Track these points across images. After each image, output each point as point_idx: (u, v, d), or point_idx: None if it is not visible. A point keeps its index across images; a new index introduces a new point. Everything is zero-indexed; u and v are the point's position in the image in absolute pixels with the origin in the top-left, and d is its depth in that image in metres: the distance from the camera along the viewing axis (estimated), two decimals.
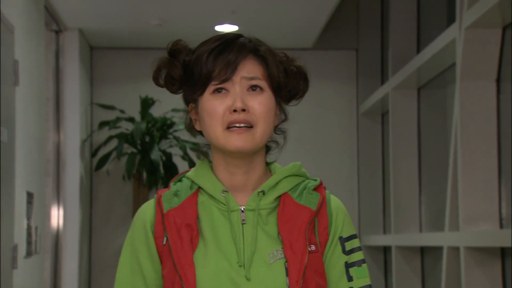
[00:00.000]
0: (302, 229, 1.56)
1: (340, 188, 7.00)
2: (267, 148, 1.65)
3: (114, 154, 6.57)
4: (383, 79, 6.61)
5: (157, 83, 1.63)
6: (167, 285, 1.55)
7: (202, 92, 1.57)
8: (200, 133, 1.64)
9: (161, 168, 6.54)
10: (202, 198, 1.60)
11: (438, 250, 5.06)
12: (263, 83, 1.58)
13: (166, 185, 6.66)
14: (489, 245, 3.94)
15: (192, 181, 1.61)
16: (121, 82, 6.92)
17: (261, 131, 1.57)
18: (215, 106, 1.56)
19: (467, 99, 4.11)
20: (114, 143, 6.62)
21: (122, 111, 6.68)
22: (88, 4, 5.71)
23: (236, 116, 1.55)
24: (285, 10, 5.90)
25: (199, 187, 1.61)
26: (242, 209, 1.58)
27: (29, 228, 4.31)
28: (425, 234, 5.49)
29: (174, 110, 6.58)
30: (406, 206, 5.84)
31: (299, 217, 1.57)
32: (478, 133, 4.09)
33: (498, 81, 4.10)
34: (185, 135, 6.72)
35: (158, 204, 1.59)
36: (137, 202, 6.57)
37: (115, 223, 6.87)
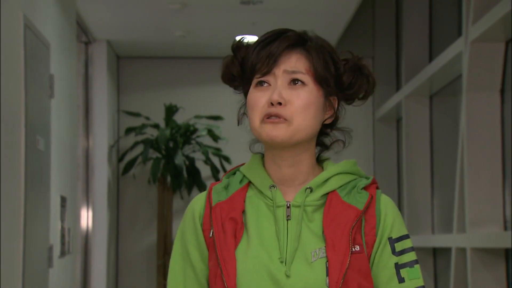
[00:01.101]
0: (346, 229, 1.53)
1: None
2: (323, 146, 1.64)
3: (140, 159, 6.87)
4: (398, 86, 6.86)
5: (224, 80, 1.65)
6: (211, 277, 1.57)
7: (249, 86, 1.59)
8: None
9: (184, 172, 6.83)
10: (251, 192, 1.60)
11: (448, 251, 5.30)
12: (305, 78, 1.56)
13: (189, 189, 6.96)
14: (494, 246, 4.17)
15: (244, 175, 1.62)
16: (146, 90, 7.22)
17: (297, 124, 1.54)
18: (257, 98, 1.56)
19: (473, 108, 4.35)
20: (140, 148, 6.91)
21: (147, 118, 6.98)
22: (116, 17, 6.02)
23: (272, 109, 1.54)
24: (304, 21, 6.16)
25: (250, 181, 1.61)
26: (288, 204, 1.56)
27: (62, 229, 4.61)
28: (436, 236, 5.73)
29: (196, 116, 6.87)
30: (419, 208, 6.07)
31: (345, 216, 1.54)
32: (483, 140, 4.33)
33: (502, 91, 4.34)
34: (207, 141, 7.01)
35: (208, 196, 1.60)
36: (162, 205, 6.86)
37: (141, 224, 7.17)
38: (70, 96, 4.92)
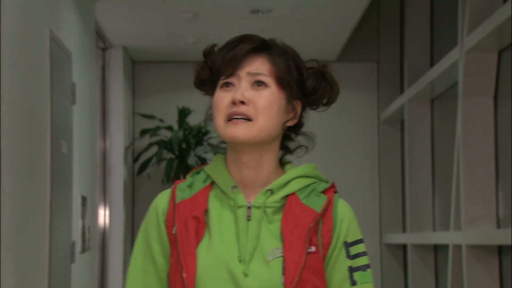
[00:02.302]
0: (303, 230, 1.56)
1: (363, 189, 7.53)
2: (286, 149, 1.67)
3: (154, 159, 7.15)
4: (402, 90, 7.12)
5: (195, 85, 1.68)
6: (171, 273, 1.59)
7: (215, 88, 1.61)
8: None
9: None
10: (214, 192, 1.62)
11: (447, 248, 5.56)
12: (268, 79, 1.59)
13: None
14: (487, 243, 4.44)
15: (207, 175, 1.64)
16: (160, 93, 7.52)
17: (260, 124, 1.57)
18: (220, 99, 1.59)
19: (468, 114, 4.62)
20: (154, 149, 7.20)
21: (161, 120, 7.27)
22: (131, 24, 6.32)
23: (235, 108, 1.57)
24: (310, 28, 6.44)
25: (213, 181, 1.63)
26: (249, 205, 1.59)
27: (83, 227, 4.92)
28: (436, 233, 5.99)
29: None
30: (421, 207, 6.33)
31: (303, 218, 1.57)
32: (478, 143, 4.60)
33: (495, 97, 4.61)
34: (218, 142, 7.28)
35: (173, 194, 1.62)
36: None
37: None
38: (89, 102, 5.22)
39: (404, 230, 7.16)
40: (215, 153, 7.14)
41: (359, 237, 1.62)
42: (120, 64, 6.85)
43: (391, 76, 7.33)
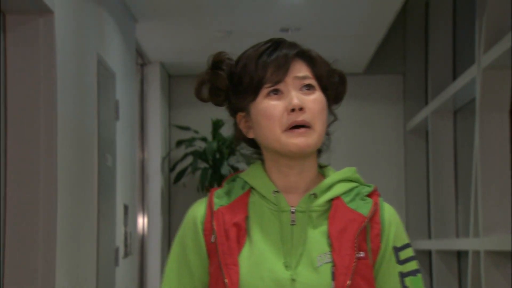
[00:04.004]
0: (352, 234, 1.51)
1: (389, 197, 7.70)
2: (318, 151, 1.61)
3: (189, 169, 7.45)
4: (427, 101, 7.39)
5: (199, 97, 1.62)
6: (211, 283, 1.53)
7: (255, 97, 1.54)
8: (252, 141, 1.60)
9: None
10: (253, 198, 1.56)
11: (468, 253, 5.82)
12: (314, 82, 1.55)
13: None
14: (504, 249, 4.70)
15: (245, 181, 1.58)
16: (195, 106, 7.84)
17: (319, 131, 1.53)
18: (272, 108, 1.52)
19: (485, 127, 4.90)
20: (189, 159, 7.52)
21: (196, 132, 7.60)
22: (168, 42, 6.69)
23: (294, 117, 1.51)
24: (339, 42, 6.73)
25: (251, 187, 1.57)
26: (293, 210, 1.54)
27: (125, 233, 5.28)
28: (457, 240, 6.25)
29: None
30: (445, 214, 6.58)
31: (350, 222, 1.52)
32: (494, 155, 4.87)
33: (511, 112, 4.89)
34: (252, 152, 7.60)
35: (210, 201, 1.57)
36: None
37: None
38: (131, 118, 5.59)
39: (429, 236, 7.41)
40: (247, 163, 7.42)
41: (406, 241, 1.58)
42: (157, 78, 7.21)
43: (417, 88, 7.58)
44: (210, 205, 1.56)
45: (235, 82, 1.57)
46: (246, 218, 1.54)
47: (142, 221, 7.02)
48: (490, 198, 4.85)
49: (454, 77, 6.44)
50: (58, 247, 3.42)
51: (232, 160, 7.56)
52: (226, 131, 7.81)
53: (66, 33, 3.62)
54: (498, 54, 4.56)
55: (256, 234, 1.53)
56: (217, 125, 7.50)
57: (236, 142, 1.64)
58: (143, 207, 7.03)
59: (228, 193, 1.58)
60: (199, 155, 7.39)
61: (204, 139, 7.48)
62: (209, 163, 7.42)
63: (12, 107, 3.28)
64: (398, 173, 7.82)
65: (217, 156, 7.44)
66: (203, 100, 1.63)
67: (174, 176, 7.61)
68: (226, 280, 1.49)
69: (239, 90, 1.56)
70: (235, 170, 7.48)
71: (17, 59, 3.25)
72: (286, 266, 1.50)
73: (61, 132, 3.48)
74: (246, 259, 1.51)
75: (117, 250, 4.90)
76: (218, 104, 1.62)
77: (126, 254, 5.26)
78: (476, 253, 5.03)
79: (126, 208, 5.32)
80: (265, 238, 1.52)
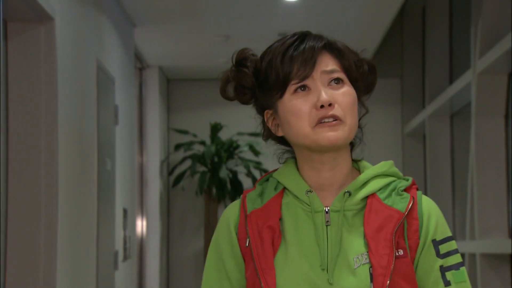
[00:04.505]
0: (389, 233, 1.45)
1: None
2: (351, 145, 1.56)
3: (188, 172, 7.52)
4: (424, 105, 7.44)
5: (225, 96, 1.54)
6: (248, 287, 1.49)
7: (281, 94, 1.49)
8: (282, 139, 1.56)
9: (228, 184, 7.48)
10: (287, 199, 1.52)
11: (463, 256, 5.88)
12: (342, 75, 1.50)
13: (233, 199, 7.63)
14: (500, 252, 4.76)
15: (278, 181, 1.54)
16: (193, 109, 7.91)
17: (350, 124, 1.49)
18: (300, 105, 1.47)
19: (481, 131, 4.95)
20: (188, 163, 7.58)
21: (194, 135, 7.65)
22: (167, 47, 6.75)
23: (324, 112, 1.46)
24: None
25: (285, 188, 1.53)
26: (327, 210, 1.49)
27: (125, 237, 5.32)
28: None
29: (239, 133, 7.53)
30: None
31: (387, 219, 1.46)
32: (490, 159, 4.93)
33: (506, 116, 4.94)
34: (249, 156, 7.67)
35: (243, 204, 1.52)
36: (208, 214, 7.53)
37: (189, 232, 7.87)
38: (130, 122, 5.64)
39: None
40: (245, 166, 7.51)
41: (448, 234, 1.50)
42: (156, 82, 7.26)
43: (414, 91, 7.63)
44: (243, 209, 1.52)
45: (261, 79, 1.51)
46: (280, 220, 1.50)
47: (141, 225, 7.07)
48: (486, 201, 4.90)
49: (451, 81, 6.50)
50: (59, 251, 3.47)
51: (230, 164, 7.61)
52: (224, 135, 7.88)
53: (66, 40, 3.67)
54: (492, 60, 4.61)
55: (291, 236, 1.49)
56: (215, 128, 7.55)
57: (265, 140, 1.58)
58: (142, 211, 7.08)
59: (261, 195, 1.53)
60: (198, 158, 7.45)
61: (202, 143, 7.54)
62: (207, 166, 7.47)
63: (13, 112, 3.33)
64: None
65: (216, 159, 7.49)
66: (229, 99, 1.55)
67: (172, 179, 7.66)
68: (262, 285, 1.45)
69: (265, 88, 1.51)
70: (233, 173, 7.53)
71: (19, 65, 3.30)
72: (323, 269, 1.46)
73: (61, 136, 3.52)
74: (282, 262, 1.47)
75: (116, 253, 4.94)
76: (244, 102, 1.55)
77: (125, 258, 5.31)
78: (472, 256, 5.09)
79: (125, 211, 5.37)
80: (300, 240, 1.48)
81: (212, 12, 5.78)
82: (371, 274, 1.44)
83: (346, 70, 1.51)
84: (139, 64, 7.10)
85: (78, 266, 3.92)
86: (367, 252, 1.45)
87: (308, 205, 1.50)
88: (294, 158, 1.55)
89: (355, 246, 1.46)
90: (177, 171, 7.65)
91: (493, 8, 4.73)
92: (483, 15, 4.78)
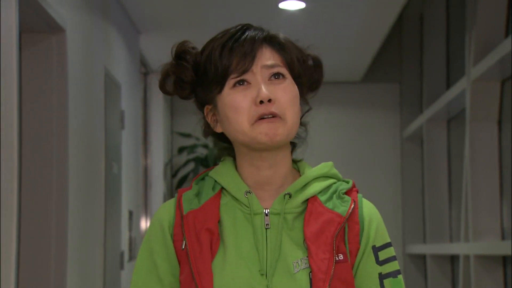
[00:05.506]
0: (329, 237, 1.41)
1: (386, 203, 7.99)
2: (293, 145, 1.52)
3: (191, 175, 7.60)
4: (422, 110, 7.59)
5: (164, 90, 1.50)
6: None
7: (220, 89, 1.44)
8: (221, 136, 1.52)
9: None
10: (225, 199, 1.46)
11: (458, 258, 6.00)
12: (284, 70, 1.45)
13: None
14: (493, 253, 4.90)
15: (215, 181, 1.48)
16: (197, 113, 8.04)
17: (290, 122, 1.43)
18: (239, 100, 1.42)
19: (475, 136, 5.10)
20: (191, 165, 7.68)
21: (197, 139, 7.75)
22: (170, 52, 6.88)
23: (263, 109, 1.41)
24: (337, 52, 6.93)
25: (223, 188, 1.47)
26: (266, 212, 1.44)
27: (130, 238, 5.48)
28: (450, 244, 6.44)
29: None
30: (439, 219, 6.78)
31: (327, 223, 1.42)
32: (484, 163, 5.07)
33: (499, 122, 5.09)
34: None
35: (178, 204, 1.46)
36: None
37: None
38: (135, 127, 5.80)
39: (424, 241, 7.59)
40: None
41: (387, 240, 1.48)
42: None
43: (413, 96, 7.76)
44: (179, 209, 1.46)
45: (200, 73, 1.47)
46: (219, 222, 1.44)
47: (145, 226, 7.21)
48: (480, 204, 5.04)
49: (448, 86, 6.64)
50: (69, 251, 3.62)
51: None
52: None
53: (76, 49, 3.83)
54: (486, 67, 4.76)
55: (229, 239, 1.43)
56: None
57: (205, 137, 1.57)
58: (146, 212, 7.22)
59: (198, 195, 1.47)
60: (201, 161, 7.56)
61: (205, 146, 7.65)
62: None
63: (26, 118, 3.48)
64: (395, 179, 8.00)
65: (218, 162, 7.62)
66: (168, 93, 1.52)
67: (176, 182, 7.77)
68: None
69: (204, 82, 1.46)
70: None
71: (32, 74, 3.46)
72: (262, 274, 1.41)
73: (71, 141, 3.68)
74: (220, 267, 1.41)
75: (122, 254, 5.09)
76: (184, 97, 1.52)
77: (130, 258, 5.46)
78: (466, 257, 5.22)
79: (130, 213, 5.52)
80: (239, 243, 1.43)
81: (214, 20, 5.93)
82: (310, 279, 1.40)
83: (288, 65, 1.46)
84: (144, 69, 7.25)
85: (87, 266, 4.08)
86: (307, 256, 1.42)
87: (247, 206, 1.45)
88: (232, 156, 1.50)
89: (295, 250, 1.42)
90: (181, 174, 7.77)
91: (486, 17, 4.88)
92: (477, 24, 4.94)
